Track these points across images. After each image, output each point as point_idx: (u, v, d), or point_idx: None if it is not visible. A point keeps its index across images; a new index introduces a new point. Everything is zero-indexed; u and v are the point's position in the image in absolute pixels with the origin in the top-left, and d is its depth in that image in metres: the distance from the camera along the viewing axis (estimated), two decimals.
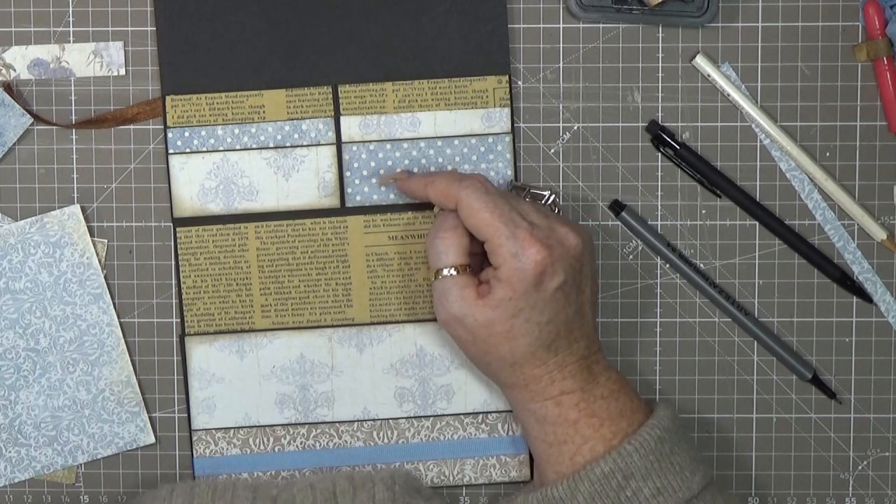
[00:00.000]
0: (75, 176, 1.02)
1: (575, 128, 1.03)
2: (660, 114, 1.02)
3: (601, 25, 1.02)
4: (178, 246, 1.02)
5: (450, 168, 1.02)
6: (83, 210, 1.02)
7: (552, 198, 1.00)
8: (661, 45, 1.02)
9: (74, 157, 1.02)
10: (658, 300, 1.03)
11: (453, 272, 0.95)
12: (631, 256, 1.03)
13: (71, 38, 1.02)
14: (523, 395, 0.96)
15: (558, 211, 1.01)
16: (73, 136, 1.02)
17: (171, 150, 1.02)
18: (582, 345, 0.95)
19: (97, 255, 1.02)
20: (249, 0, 1.01)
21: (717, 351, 1.03)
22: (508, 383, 0.96)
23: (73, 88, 1.02)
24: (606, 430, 0.95)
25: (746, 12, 1.02)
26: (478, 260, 0.98)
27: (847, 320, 1.03)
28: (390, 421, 1.03)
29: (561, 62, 1.02)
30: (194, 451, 1.03)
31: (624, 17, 1.01)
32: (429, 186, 0.97)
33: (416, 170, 1.02)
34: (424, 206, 1.02)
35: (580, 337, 0.95)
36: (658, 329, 1.03)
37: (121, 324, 1.02)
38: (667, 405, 0.97)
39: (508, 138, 1.02)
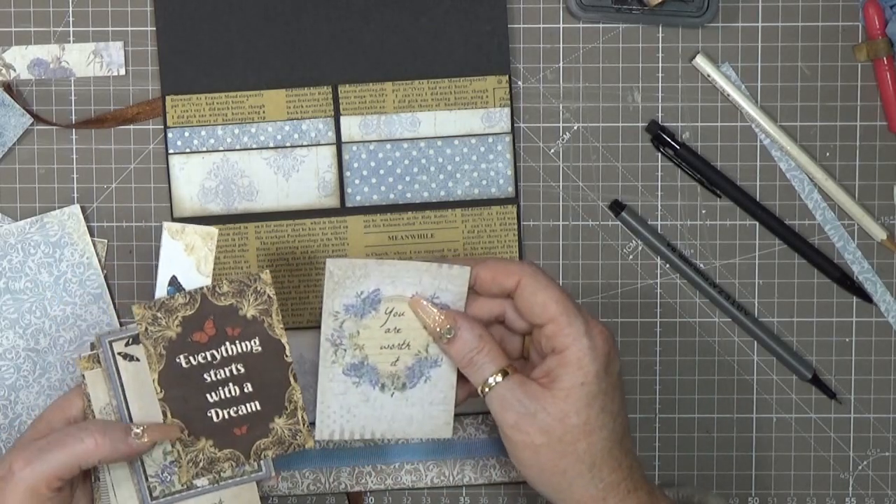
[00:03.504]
0: (75, 176, 1.02)
1: (575, 128, 1.03)
2: (660, 114, 1.02)
3: (601, 25, 1.02)
4: None
5: (449, 168, 1.02)
6: (83, 210, 1.02)
7: None
8: (661, 45, 1.02)
9: (74, 157, 1.02)
10: (658, 300, 1.03)
11: (501, 377, 0.88)
12: (631, 256, 1.03)
13: (71, 38, 1.02)
14: None
15: None
16: (73, 136, 1.02)
17: (171, 150, 1.02)
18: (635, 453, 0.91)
19: (97, 255, 1.02)
20: (249, 0, 1.01)
21: (717, 351, 1.03)
22: (584, 499, 0.88)
23: (73, 88, 1.02)
24: None
25: (746, 12, 1.02)
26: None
27: (847, 320, 1.03)
28: None
29: (561, 62, 1.02)
30: None
31: (624, 17, 1.01)
32: (480, 265, 0.90)
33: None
34: (424, 205, 1.02)
35: (631, 442, 0.90)
36: (658, 329, 1.03)
37: (121, 324, 1.02)
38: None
39: (508, 138, 1.02)
